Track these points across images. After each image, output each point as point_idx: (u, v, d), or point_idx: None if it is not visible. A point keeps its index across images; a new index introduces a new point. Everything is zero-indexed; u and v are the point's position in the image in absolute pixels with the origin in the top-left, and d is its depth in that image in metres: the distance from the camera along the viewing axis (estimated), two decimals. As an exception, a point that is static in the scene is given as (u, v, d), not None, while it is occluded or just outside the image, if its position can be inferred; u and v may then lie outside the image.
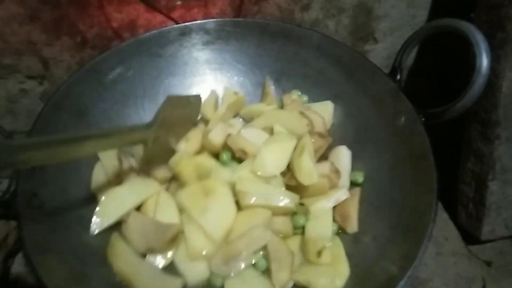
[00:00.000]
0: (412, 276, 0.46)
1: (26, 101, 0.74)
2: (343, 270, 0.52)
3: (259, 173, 0.57)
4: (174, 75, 0.70)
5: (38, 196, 0.51)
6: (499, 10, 0.58)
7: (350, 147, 0.64)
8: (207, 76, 0.72)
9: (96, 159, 0.60)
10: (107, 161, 0.59)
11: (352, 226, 0.57)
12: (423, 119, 0.56)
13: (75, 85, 0.61)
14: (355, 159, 0.63)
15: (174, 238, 0.53)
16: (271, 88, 0.71)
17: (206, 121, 0.66)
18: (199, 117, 0.66)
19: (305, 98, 0.69)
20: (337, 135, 0.66)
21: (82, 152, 0.45)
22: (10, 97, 0.73)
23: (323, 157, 0.63)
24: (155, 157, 0.57)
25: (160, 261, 0.53)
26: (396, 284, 0.46)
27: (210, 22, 0.68)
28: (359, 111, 0.65)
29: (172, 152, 0.59)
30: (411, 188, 0.55)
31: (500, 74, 0.59)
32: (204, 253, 0.52)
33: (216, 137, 0.60)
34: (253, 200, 0.55)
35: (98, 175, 0.59)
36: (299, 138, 0.61)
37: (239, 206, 0.55)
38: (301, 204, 0.57)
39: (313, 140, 0.61)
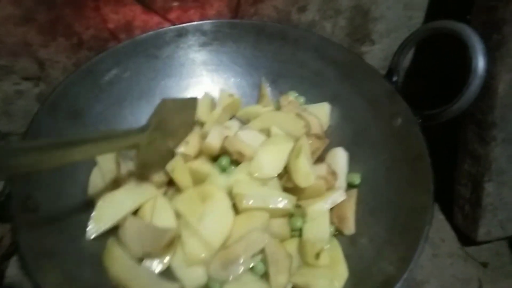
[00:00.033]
0: (409, 278, 0.46)
1: (22, 102, 0.73)
2: (342, 271, 0.52)
3: (256, 175, 0.57)
4: (171, 77, 0.70)
5: (33, 199, 0.51)
6: (495, 12, 0.58)
7: (347, 148, 0.64)
8: (204, 77, 0.72)
9: (93, 162, 0.60)
10: (105, 165, 0.59)
11: (349, 227, 0.57)
12: (420, 121, 0.57)
13: (71, 87, 0.61)
14: (351, 160, 0.63)
15: (170, 242, 0.53)
16: (268, 89, 0.71)
17: (201, 124, 0.66)
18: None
19: (302, 99, 0.69)
20: (334, 137, 0.66)
21: (72, 158, 0.44)
22: (6, 99, 0.72)
23: (319, 159, 0.63)
24: (151, 161, 0.56)
25: (156, 266, 0.52)
26: (393, 285, 0.46)
27: (206, 24, 0.68)
28: (356, 113, 0.65)
29: (169, 156, 0.58)
30: (407, 189, 0.55)
31: (496, 75, 0.59)
32: (201, 257, 0.52)
33: (214, 140, 0.60)
34: (250, 203, 0.55)
35: (96, 179, 0.59)
36: (296, 140, 0.61)
37: (236, 209, 0.55)
38: (298, 206, 0.57)
39: (310, 142, 0.61)
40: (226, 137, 0.60)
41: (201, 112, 0.66)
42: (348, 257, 0.54)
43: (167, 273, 0.52)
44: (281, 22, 0.72)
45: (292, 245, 0.55)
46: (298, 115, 0.64)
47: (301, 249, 0.54)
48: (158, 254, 0.52)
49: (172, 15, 0.69)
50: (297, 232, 0.57)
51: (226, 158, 0.60)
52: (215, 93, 0.71)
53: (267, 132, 0.63)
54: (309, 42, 0.68)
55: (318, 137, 0.63)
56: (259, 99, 0.71)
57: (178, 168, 0.57)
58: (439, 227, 0.72)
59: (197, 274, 0.52)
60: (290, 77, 0.71)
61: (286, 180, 0.58)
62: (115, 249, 0.52)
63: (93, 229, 0.54)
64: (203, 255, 0.52)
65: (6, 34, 0.64)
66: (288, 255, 0.53)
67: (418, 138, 0.55)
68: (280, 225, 0.56)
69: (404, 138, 0.58)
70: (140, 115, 0.66)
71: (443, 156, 0.59)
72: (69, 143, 0.44)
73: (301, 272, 0.53)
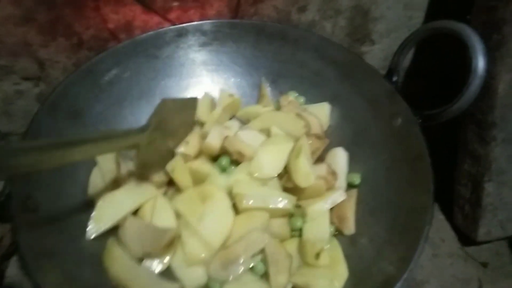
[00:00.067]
0: (409, 278, 0.46)
1: (22, 102, 0.73)
2: (342, 271, 0.52)
3: (256, 175, 0.57)
4: (171, 77, 0.70)
5: (33, 199, 0.51)
6: (495, 12, 0.58)
7: (346, 148, 0.64)
8: (204, 77, 0.71)
9: (93, 162, 0.60)
10: (105, 165, 0.59)
11: (349, 227, 0.57)
12: (420, 121, 0.57)
13: (71, 86, 0.61)
14: (351, 160, 0.63)
15: (170, 242, 0.52)
16: (268, 89, 0.71)
17: (201, 124, 0.66)
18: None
19: (302, 99, 0.69)
20: (334, 137, 0.66)
21: (72, 158, 0.44)
22: (6, 99, 0.72)
23: (319, 159, 0.63)
24: (151, 161, 0.56)
25: (156, 266, 0.52)
26: (393, 285, 0.46)
27: (206, 24, 0.68)
28: (356, 113, 0.65)
29: (169, 156, 0.58)
30: (407, 189, 0.55)
31: (496, 75, 0.59)
32: (201, 257, 0.52)
33: (214, 140, 0.60)
34: (250, 203, 0.55)
35: (96, 179, 0.59)
36: (296, 140, 0.61)
37: (236, 209, 0.55)
38: (298, 206, 0.57)
39: (310, 142, 0.61)
40: (226, 137, 0.60)
41: (201, 112, 0.66)
42: (348, 257, 0.54)
43: (167, 273, 0.52)
44: (281, 22, 0.72)
45: (292, 245, 0.55)
46: (298, 115, 0.64)
47: (301, 249, 0.54)
48: (158, 254, 0.52)
49: (172, 15, 0.69)
50: (297, 232, 0.57)
51: (226, 158, 0.60)
52: (215, 93, 0.71)
53: (267, 132, 0.63)
54: (309, 42, 0.68)
55: (318, 137, 0.63)
56: (259, 99, 0.71)
57: (178, 168, 0.57)
58: (439, 227, 0.72)
59: (197, 274, 0.52)
60: (290, 77, 0.71)
61: (286, 180, 0.58)
62: (115, 249, 0.52)
63: (93, 229, 0.54)
64: (203, 255, 0.52)
65: (6, 34, 0.64)
66: (288, 255, 0.53)
67: (418, 138, 0.55)
68: (280, 225, 0.56)
69: (404, 138, 0.58)
70: (140, 115, 0.66)
71: (443, 156, 0.59)
72: (69, 143, 0.44)
73: (301, 272, 0.53)
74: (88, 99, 0.62)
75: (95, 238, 0.54)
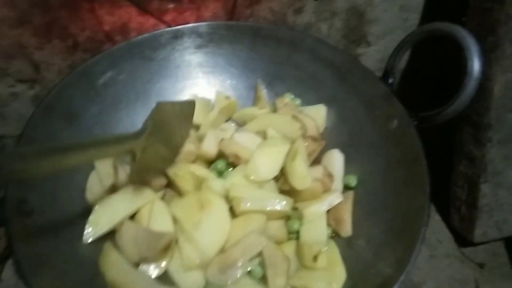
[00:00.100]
0: (405, 279, 0.46)
1: (17, 104, 0.73)
2: (340, 274, 0.52)
3: (252, 177, 0.57)
4: (167, 79, 0.69)
5: (28, 203, 0.50)
6: (490, 14, 0.58)
7: (343, 150, 0.64)
8: (200, 79, 0.71)
9: (91, 166, 0.59)
10: (103, 169, 0.58)
11: (346, 229, 0.57)
12: (416, 123, 0.57)
13: (66, 89, 0.60)
14: (348, 162, 0.63)
15: (167, 247, 0.52)
16: (264, 91, 0.71)
17: (196, 127, 0.65)
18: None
19: (298, 101, 0.69)
20: (330, 139, 0.65)
21: (66, 164, 0.43)
22: (1, 101, 0.72)
23: (316, 161, 0.63)
24: (147, 166, 0.55)
25: (153, 270, 0.52)
26: (390, 287, 0.46)
27: (202, 25, 0.68)
28: (352, 115, 0.65)
29: (166, 160, 0.58)
30: (404, 191, 0.55)
31: (492, 77, 0.59)
32: (197, 263, 0.51)
33: (210, 147, 0.60)
34: (248, 206, 0.54)
35: (93, 183, 0.58)
36: (292, 142, 0.61)
37: (233, 212, 0.55)
38: (295, 209, 0.57)
39: (306, 144, 0.61)
40: (222, 140, 0.60)
41: (196, 115, 0.65)
42: (345, 259, 0.54)
43: (164, 278, 0.52)
44: (277, 24, 0.72)
45: (289, 248, 0.55)
46: (294, 117, 0.64)
47: (299, 251, 0.54)
48: (154, 258, 0.52)
49: (168, 17, 0.69)
50: (294, 235, 0.57)
51: (222, 161, 0.60)
52: (211, 95, 0.70)
53: (263, 134, 0.63)
54: (305, 44, 0.68)
55: (314, 139, 0.63)
56: (255, 101, 0.71)
57: (181, 173, 0.56)
58: (436, 228, 0.72)
59: (195, 279, 0.52)
60: (286, 79, 0.70)
61: (283, 182, 0.58)
62: (111, 253, 0.52)
63: (90, 233, 0.53)
64: (198, 261, 0.51)
65: (0, 36, 0.64)
66: (285, 258, 0.52)
67: (414, 140, 0.55)
68: (277, 228, 0.56)
69: (400, 140, 0.58)
70: (136, 117, 0.65)
71: (439, 157, 0.59)
72: (63, 149, 0.43)
73: (299, 275, 0.52)
74: (83, 102, 0.62)
75: (91, 242, 0.53)
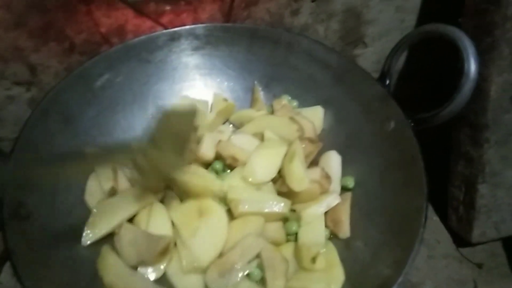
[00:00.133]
0: (404, 280, 0.46)
1: (13, 107, 0.72)
2: (338, 275, 0.52)
3: (250, 179, 0.57)
4: (164, 81, 0.69)
5: (26, 205, 0.50)
6: (486, 15, 0.59)
7: (340, 152, 0.63)
8: (197, 81, 0.71)
9: (90, 168, 0.59)
10: (102, 172, 0.58)
11: (344, 231, 0.57)
12: (412, 124, 0.57)
13: (63, 92, 0.60)
14: (345, 164, 0.63)
15: (166, 250, 0.52)
16: (261, 93, 0.71)
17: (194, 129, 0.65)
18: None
19: (295, 103, 0.69)
20: (327, 140, 0.65)
21: (67, 174, 0.44)
22: (-3, 104, 0.72)
23: (313, 162, 0.63)
24: (150, 171, 0.55)
25: (152, 273, 0.52)
26: (389, 288, 0.46)
27: (199, 27, 0.68)
28: (349, 116, 0.65)
29: (168, 165, 0.57)
30: (401, 192, 0.55)
31: (488, 78, 0.59)
32: (194, 266, 0.51)
33: (208, 151, 0.60)
34: (246, 208, 0.54)
35: (93, 185, 0.58)
36: (290, 144, 0.61)
37: (231, 214, 0.55)
38: (293, 211, 0.57)
39: (303, 145, 0.61)
40: (219, 142, 0.60)
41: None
42: (343, 261, 0.54)
43: (163, 281, 0.52)
44: (274, 26, 0.72)
45: (288, 250, 0.55)
46: (292, 119, 0.64)
47: (297, 253, 0.54)
48: (153, 261, 0.52)
49: (165, 19, 0.69)
50: (293, 237, 0.57)
51: (220, 162, 0.60)
52: (208, 97, 0.70)
53: (260, 136, 0.63)
54: (302, 46, 0.68)
55: (311, 140, 0.63)
56: (252, 103, 0.71)
57: (185, 176, 0.56)
58: (434, 229, 0.72)
59: (194, 282, 0.51)
60: (283, 81, 0.70)
61: (280, 184, 0.58)
62: (110, 256, 0.52)
63: (88, 236, 0.53)
64: (195, 264, 0.51)
65: (-4, 39, 0.64)
66: (284, 260, 0.52)
67: (411, 141, 0.56)
68: (276, 230, 0.56)
69: (397, 141, 0.58)
70: (133, 119, 0.65)
71: (436, 158, 0.59)
72: (64, 159, 0.43)
73: (297, 277, 0.52)
74: (80, 104, 0.62)
75: (90, 245, 0.53)
